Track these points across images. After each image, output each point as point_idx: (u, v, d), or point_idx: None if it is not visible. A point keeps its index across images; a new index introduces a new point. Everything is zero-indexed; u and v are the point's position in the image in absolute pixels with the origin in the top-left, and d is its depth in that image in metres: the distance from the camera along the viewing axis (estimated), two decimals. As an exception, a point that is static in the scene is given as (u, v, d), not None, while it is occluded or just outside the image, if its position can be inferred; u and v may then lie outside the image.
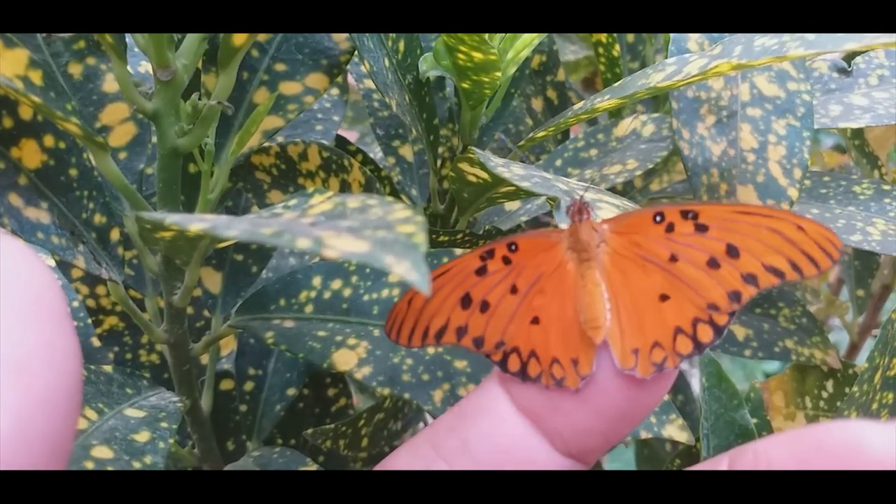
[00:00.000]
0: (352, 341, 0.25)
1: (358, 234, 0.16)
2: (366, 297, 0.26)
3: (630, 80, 0.29)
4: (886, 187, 0.35)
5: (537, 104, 0.41)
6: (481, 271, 0.20)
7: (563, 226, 0.21)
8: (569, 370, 0.19)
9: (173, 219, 0.17)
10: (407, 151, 0.38)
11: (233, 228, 0.16)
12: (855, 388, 0.33)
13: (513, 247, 0.20)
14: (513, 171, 0.27)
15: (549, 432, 0.19)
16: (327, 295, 0.26)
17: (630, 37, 0.40)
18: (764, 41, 0.26)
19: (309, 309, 0.26)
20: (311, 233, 0.16)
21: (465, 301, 0.20)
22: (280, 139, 0.33)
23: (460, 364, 0.24)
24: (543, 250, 0.20)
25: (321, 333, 0.25)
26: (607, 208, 0.25)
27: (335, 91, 0.35)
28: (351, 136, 0.58)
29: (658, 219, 0.20)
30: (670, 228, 0.20)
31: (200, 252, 0.24)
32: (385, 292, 0.26)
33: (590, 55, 0.55)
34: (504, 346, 0.20)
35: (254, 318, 0.26)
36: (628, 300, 0.20)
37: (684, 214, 0.20)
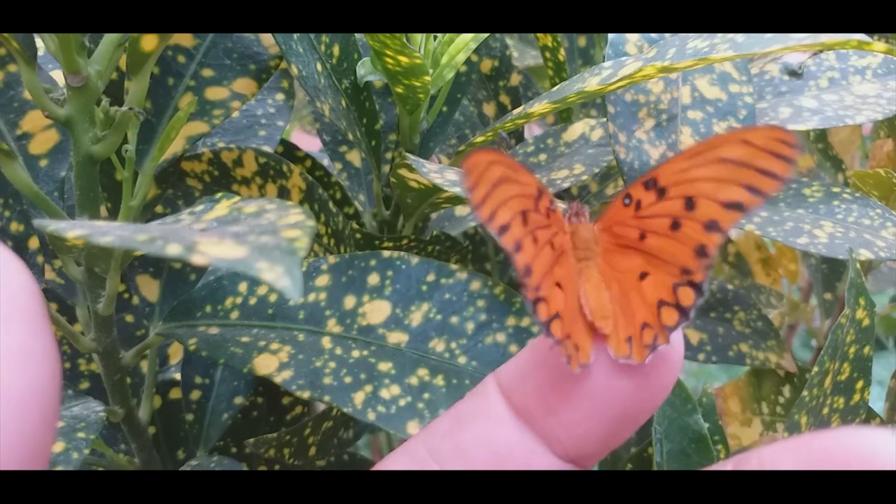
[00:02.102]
0: (275, 346, 0.25)
1: (240, 239, 0.16)
2: (291, 302, 0.25)
3: (567, 84, 0.29)
4: (836, 189, 0.35)
5: (489, 109, 0.41)
6: (537, 203, 0.19)
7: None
8: (572, 353, 0.19)
9: (56, 226, 0.17)
10: (354, 157, 0.37)
11: (108, 235, 0.16)
12: (805, 393, 0.33)
13: (552, 205, 0.19)
14: (444, 177, 0.27)
15: (547, 436, 0.19)
16: (253, 301, 0.26)
17: (581, 41, 0.40)
18: (696, 43, 0.26)
19: (234, 315, 0.26)
20: (186, 238, 0.16)
21: (525, 218, 0.19)
22: (221, 144, 0.32)
23: (384, 366, 0.24)
24: (562, 230, 0.20)
25: (244, 339, 0.25)
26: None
27: (280, 96, 0.35)
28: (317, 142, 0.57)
29: (627, 201, 0.20)
30: (638, 206, 0.20)
31: (118, 260, 0.24)
32: (312, 297, 0.25)
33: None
34: (539, 291, 0.19)
35: (180, 325, 0.26)
36: (618, 292, 0.20)
37: (646, 185, 0.19)
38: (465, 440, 0.19)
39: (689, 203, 0.19)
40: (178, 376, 0.36)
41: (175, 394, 0.37)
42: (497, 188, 0.17)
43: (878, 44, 0.24)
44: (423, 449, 0.20)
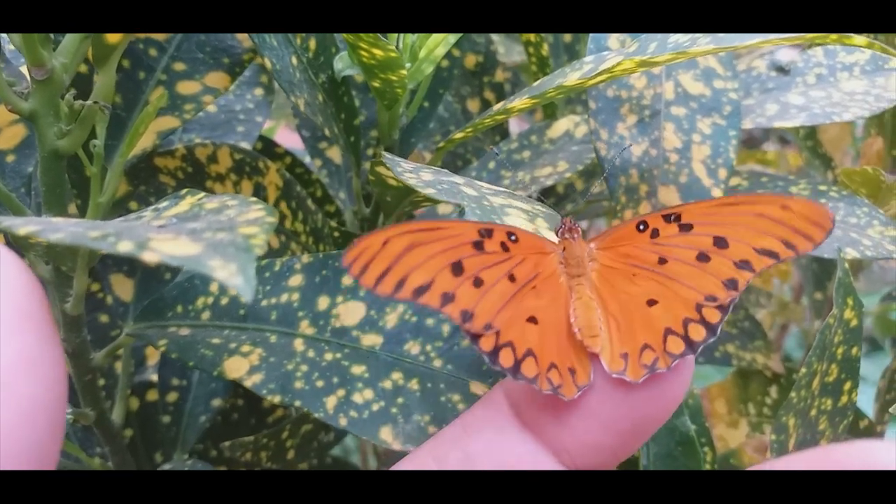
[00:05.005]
0: (246, 348, 0.24)
1: (196, 236, 0.16)
2: (264, 303, 0.25)
3: (548, 79, 0.28)
4: (823, 188, 0.34)
5: (473, 105, 0.40)
6: (478, 246, 0.20)
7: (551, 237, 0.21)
8: (566, 378, 0.19)
9: (9, 223, 0.16)
10: (335, 153, 0.37)
11: (60, 231, 0.15)
12: (793, 394, 0.33)
13: (512, 237, 0.20)
14: (419, 177, 0.26)
15: (555, 447, 0.19)
16: (224, 301, 0.25)
17: (567, 36, 0.40)
18: (678, 38, 0.26)
19: (206, 315, 0.25)
20: (140, 235, 0.15)
21: (457, 268, 0.19)
22: (197, 140, 0.32)
23: (358, 369, 0.24)
24: (539, 252, 0.20)
25: (215, 341, 0.24)
26: (516, 214, 0.24)
27: (259, 91, 0.35)
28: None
29: (641, 227, 0.20)
30: (655, 234, 0.20)
31: (84, 258, 0.23)
32: (284, 297, 0.25)
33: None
34: (492, 328, 0.19)
35: (150, 325, 0.25)
36: (616, 310, 0.20)
37: (667, 218, 0.20)
38: (472, 450, 0.19)
39: (721, 242, 0.20)
40: (155, 378, 0.36)
41: (152, 395, 0.36)
42: (404, 257, 0.18)
43: (858, 37, 0.24)
44: (429, 458, 0.20)
